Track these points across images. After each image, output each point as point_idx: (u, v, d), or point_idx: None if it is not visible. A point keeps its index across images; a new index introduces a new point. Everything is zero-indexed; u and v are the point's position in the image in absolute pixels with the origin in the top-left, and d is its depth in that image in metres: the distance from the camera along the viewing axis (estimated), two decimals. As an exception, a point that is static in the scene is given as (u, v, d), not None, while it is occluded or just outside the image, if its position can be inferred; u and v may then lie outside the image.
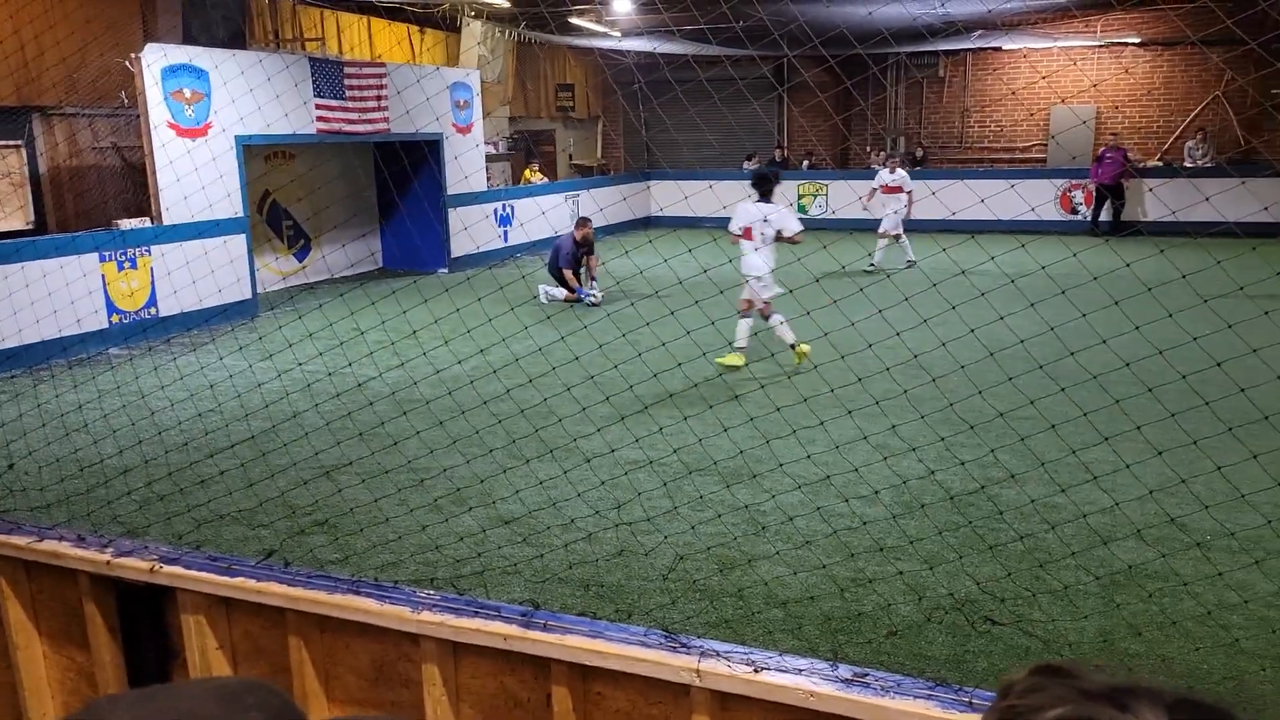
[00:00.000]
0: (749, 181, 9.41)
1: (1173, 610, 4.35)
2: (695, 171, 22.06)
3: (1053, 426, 6.11)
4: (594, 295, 12.78)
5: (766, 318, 8.88)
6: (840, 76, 20.99)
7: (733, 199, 18.98)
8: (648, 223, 21.48)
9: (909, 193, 15.00)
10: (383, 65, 14.69)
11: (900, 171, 15.21)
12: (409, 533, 5.28)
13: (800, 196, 20.65)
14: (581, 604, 4.42)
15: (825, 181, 20.54)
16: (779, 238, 8.80)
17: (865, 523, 5.36)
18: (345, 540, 5.27)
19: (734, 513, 5.56)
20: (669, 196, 21.06)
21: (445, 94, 15.58)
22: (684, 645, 2.02)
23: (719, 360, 8.68)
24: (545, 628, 2.20)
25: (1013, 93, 20.93)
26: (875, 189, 15.39)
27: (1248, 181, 16.74)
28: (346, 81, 13.59)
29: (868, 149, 22.20)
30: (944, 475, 6.07)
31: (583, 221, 13.29)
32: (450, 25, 17.97)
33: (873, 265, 14.49)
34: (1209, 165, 18.66)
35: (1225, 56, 18.79)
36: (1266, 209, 14.82)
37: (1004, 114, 21.57)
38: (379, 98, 14.03)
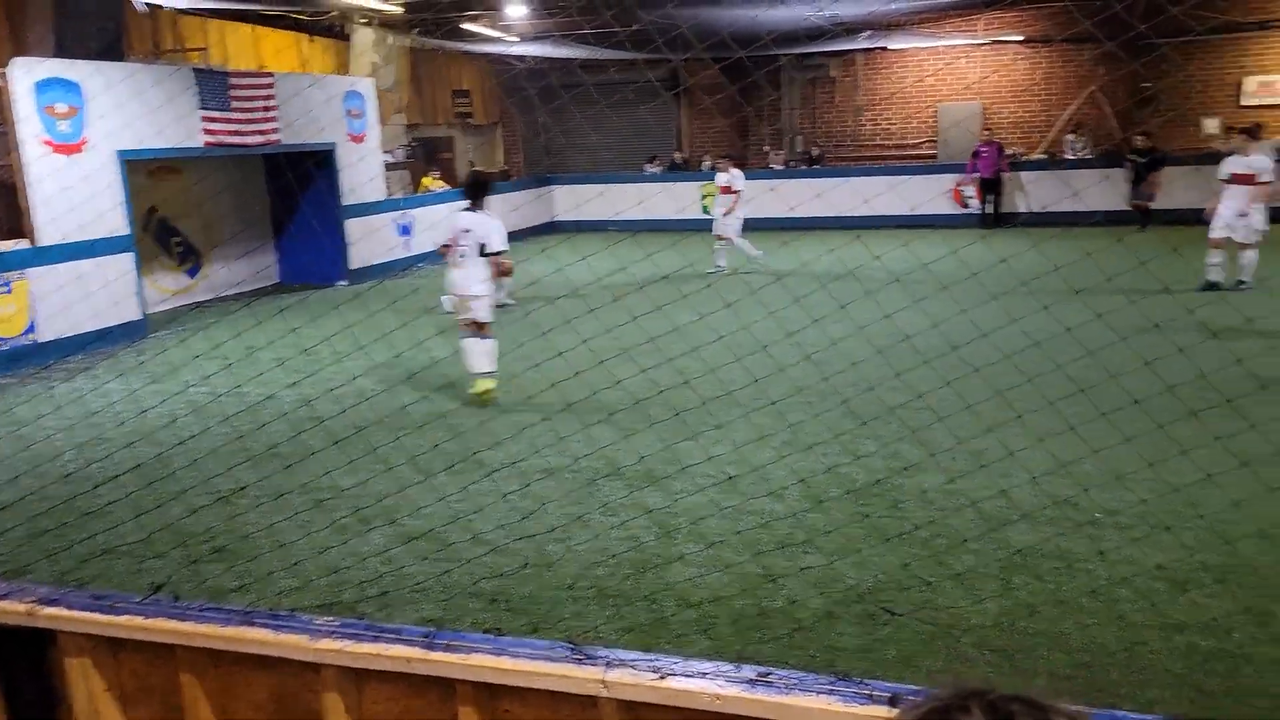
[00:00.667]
0: (654, 181, 9.25)
1: (1066, 588, 4.51)
2: (597, 175, 22.07)
3: (942, 419, 6.30)
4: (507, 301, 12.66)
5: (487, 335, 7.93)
6: (733, 78, 21.29)
7: (635, 202, 19.04)
8: (551, 228, 21.39)
9: (737, 193, 14.36)
10: (270, 75, 14.30)
11: (734, 171, 14.66)
12: (311, 556, 5.14)
13: (703, 197, 20.84)
14: (492, 619, 4.36)
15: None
16: (483, 253, 7.83)
17: (772, 520, 5.42)
18: (244, 567, 5.09)
19: (643, 517, 5.56)
20: (571, 201, 21.03)
21: (338, 102, 15.24)
22: (590, 657, 2.00)
23: (473, 392, 7.91)
24: (448, 648, 2.15)
25: (895, 95, 21.54)
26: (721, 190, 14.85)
27: (1115, 172, 17.56)
28: (232, 92, 13.18)
29: (765, 149, 22.55)
30: (845, 469, 6.19)
31: None
32: (340, 33, 17.60)
33: (718, 267, 14.09)
34: (1088, 157, 19.50)
35: (1099, 52, 19.67)
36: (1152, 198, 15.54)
37: (895, 112, 22.17)
38: (267, 108, 13.64)
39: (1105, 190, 17.68)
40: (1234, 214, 10.85)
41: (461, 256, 7.83)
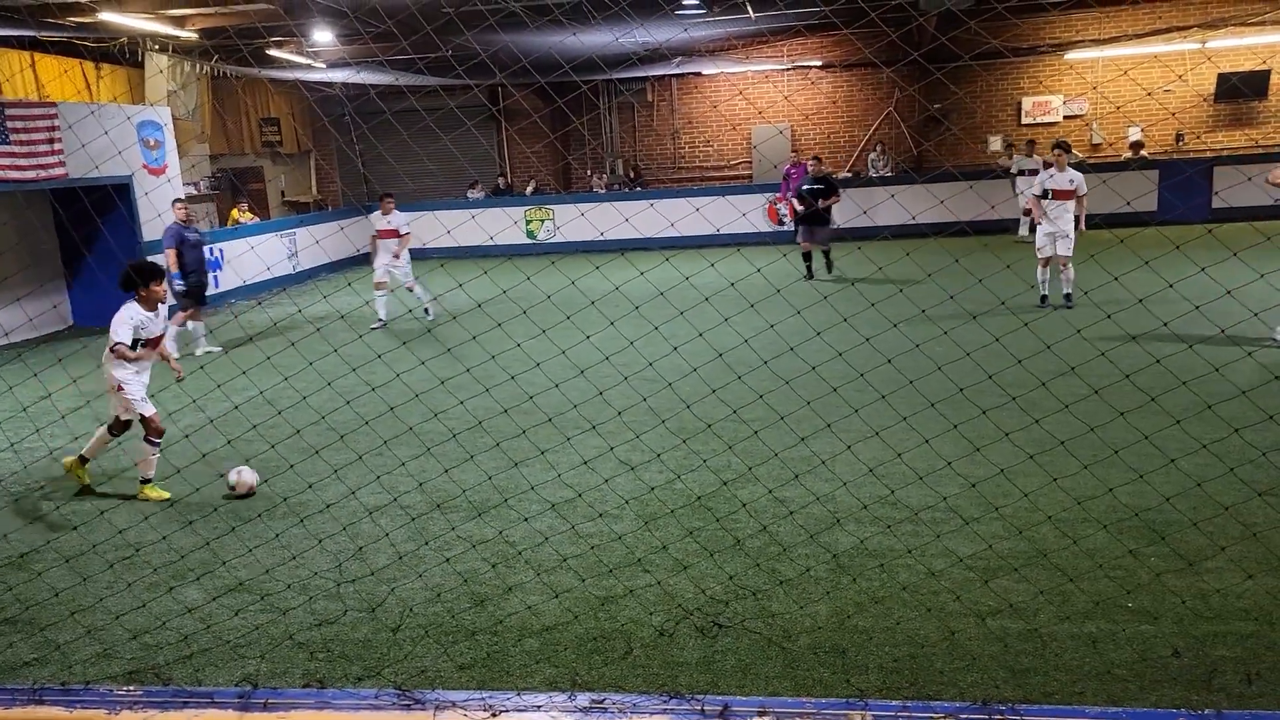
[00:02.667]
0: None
1: (888, 585, 4.71)
2: (418, 202, 21.67)
3: (757, 432, 6.48)
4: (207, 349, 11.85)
5: (115, 433, 6.76)
6: (552, 102, 21.40)
7: (458, 227, 18.73)
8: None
9: (405, 235, 12.88)
10: (53, 104, 13.29)
11: (397, 214, 13.07)
12: (122, 615, 4.75)
13: (528, 222, 20.81)
14: (324, 669, 4.14)
15: (552, 206, 20.81)
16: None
17: (606, 542, 5.42)
18: (43, 636, 4.65)
19: (485, 545, 5.45)
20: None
21: (131, 133, 14.32)
22: (418, 701, 1.92)
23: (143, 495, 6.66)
24: (266, 706, 2.03)
25: (714, 106, 22.23)
26: (374, 234, 13.12)
27: (917, 186, 18.73)
28: (10, 124, 12.17)
29: (588, 173, 22.75)
30: (687, 478, 6.29)
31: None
32: (132, 59, 16.57)
33: (381, 322, 12.92)
34: (889, 174, 20.69)
35: (893, 75, 20.96)
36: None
37: (711, 134, 22.85)
38: (51, 139, 12.67)
39: (911, 201, 18.82)
40: (1059, 229, 11.04)
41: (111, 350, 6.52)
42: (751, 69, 21.78)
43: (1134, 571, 4.66)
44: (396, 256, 12.84)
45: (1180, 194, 17.31)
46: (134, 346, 6.46)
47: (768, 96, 22.34)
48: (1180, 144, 20.37)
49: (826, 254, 14.71)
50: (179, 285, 11.33)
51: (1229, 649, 3.94)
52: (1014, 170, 17.25)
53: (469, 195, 22.50)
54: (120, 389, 6.50)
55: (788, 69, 21.78)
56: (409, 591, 4.93)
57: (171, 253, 11.38)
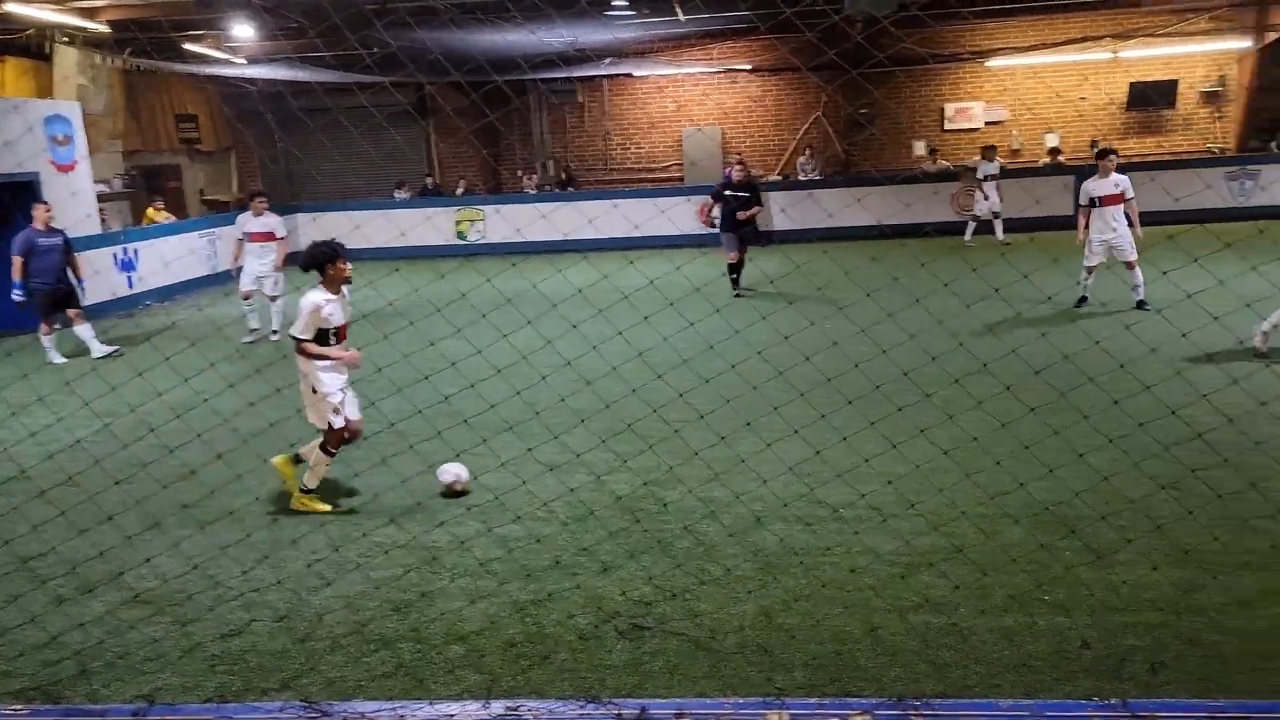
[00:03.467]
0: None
1: (817, 579, 4.74)
2: (344, 202, 21.27)
3: (677, 431, 6.48)
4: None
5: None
6: (481, 102, 21.23)
7: (385, 228, 18.48)
8: (294, 259, 20.33)
9: (283, 239, 11.92)
10: (-47, 97, 12.72)
11: (272, 217, 11.95)
12: (17, 629, 4.53)
13: (458, 224, 20.57)
14: (238, 681, 3.99)
15: (482, 208, 20.61)
16: None
17: (533, 545, 5.36)
18: (-66, 656, 4.41)
19: (405, 550, 5.34)
20: (317, 230, 20.10)
21: (38, 129, 13.78)
22: (325, 713, 1.85)
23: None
24: (163, 723, 1.93)
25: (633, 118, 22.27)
26: (240, 238, 11.90)
27: (848, 189, 19.02)
28: (-96, 116, 11.60)
29: (519, 173, 22.60)
30: (611, 480, 6.25)
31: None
32: (40, 53, 15.94)
33: (251, 336, 11.89)
34: (818, 178, 20.96)
35: (820, 80, 21.25)
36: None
37: (642, 136, 22.88)
38: (-50, 134, 12.11)
39: (840, 204, 19.10)
40: (1119, 233, 10.69)
41: None
42: (681, 71, 21.87)
43: (1048, 565, 4.77)
44: (278, 268, 11.79)
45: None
46: (325, 339, 5.86)
47: (698, 99, 22.46)
48: (1095, 149, 21.02)
49: (740, 265, 13.39)
50: (18, 295, 10.86)
51: (1138, 639, 4.05)
52: (979, 176, 17.43)
53: (395, 196, 22.17)
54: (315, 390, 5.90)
55: (718, 72, 21.92)
56: (322, 600, 4.80)
57: (18, 261, 10.87)
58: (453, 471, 6.21)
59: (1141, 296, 10.77)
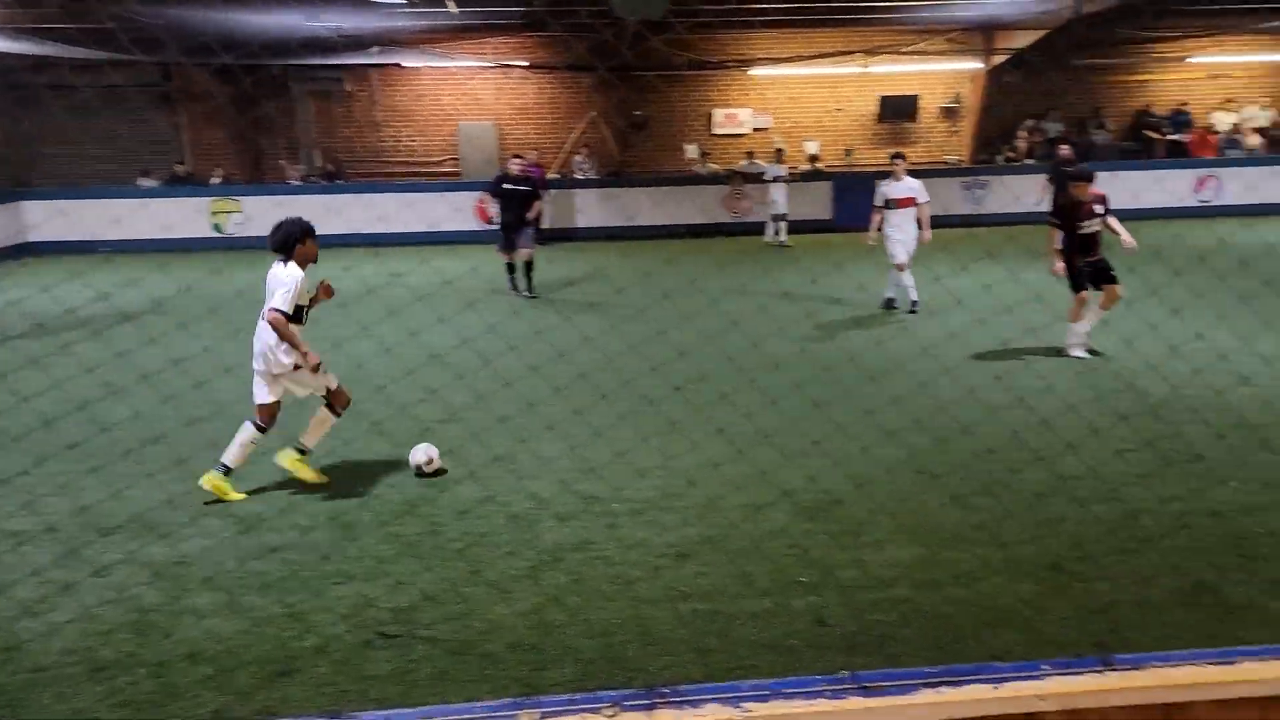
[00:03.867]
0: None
1: (589, 577, 4.78)
2: (83, 189, 19.41)
3: (475, 434, 6.37)
4: None
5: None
6: (236, 87, 19.99)
7: (130, 216, 16.99)
8: (24, 250, 18.33)
9: None
10: None
11: None
12: None
13: (214, 214, 19.25)
14: (-59, 724, 3.55)
15: (241, 198, 19.38)
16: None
17: (299, 555, 5.09)
18: None
19: (144, 573, 4.92)
20: (51, 218, 18.23)
21: None
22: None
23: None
24: None
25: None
26: None
27: (623, 190, 19.39)
28: None
29: (281, 163, 21.44)
30: (379, 494, 6.01)
31: None
32: None
33: None
34: (594, 177, 21.20)
35: (596, 80, 21.51)
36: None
37: (415, 129, 22.30)
38: None
39: (610, 209, 19.44)
40: (911, 236, 10.92)
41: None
42: (454, 65, 21.49)
43: (807, 549, 5.04)
44: None
45: (850, 203, 19.15)
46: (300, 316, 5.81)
47: (474, 94, 22.15)
48: (849, 157, 22.49)
49: (528, 266, 12.65)
50: None
51: (883, 614, 4.35)
52: (767, 178, 18.00)
53: (140, 183, 20.46)
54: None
55: (492, 67, 21.71)
56: (58, 627, 4.35)
57: None
58: (424, 451, 6.09)
59: (914, 298, 10.97)
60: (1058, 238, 8.76)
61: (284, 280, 5.72)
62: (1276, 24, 20.18)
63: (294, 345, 5.75)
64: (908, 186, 11.03)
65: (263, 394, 5.90)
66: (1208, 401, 7.05)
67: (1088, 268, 8.68)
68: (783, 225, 17.75)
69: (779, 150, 18.96)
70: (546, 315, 8.93)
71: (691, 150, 22.46)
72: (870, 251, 11.16)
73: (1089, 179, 8.73)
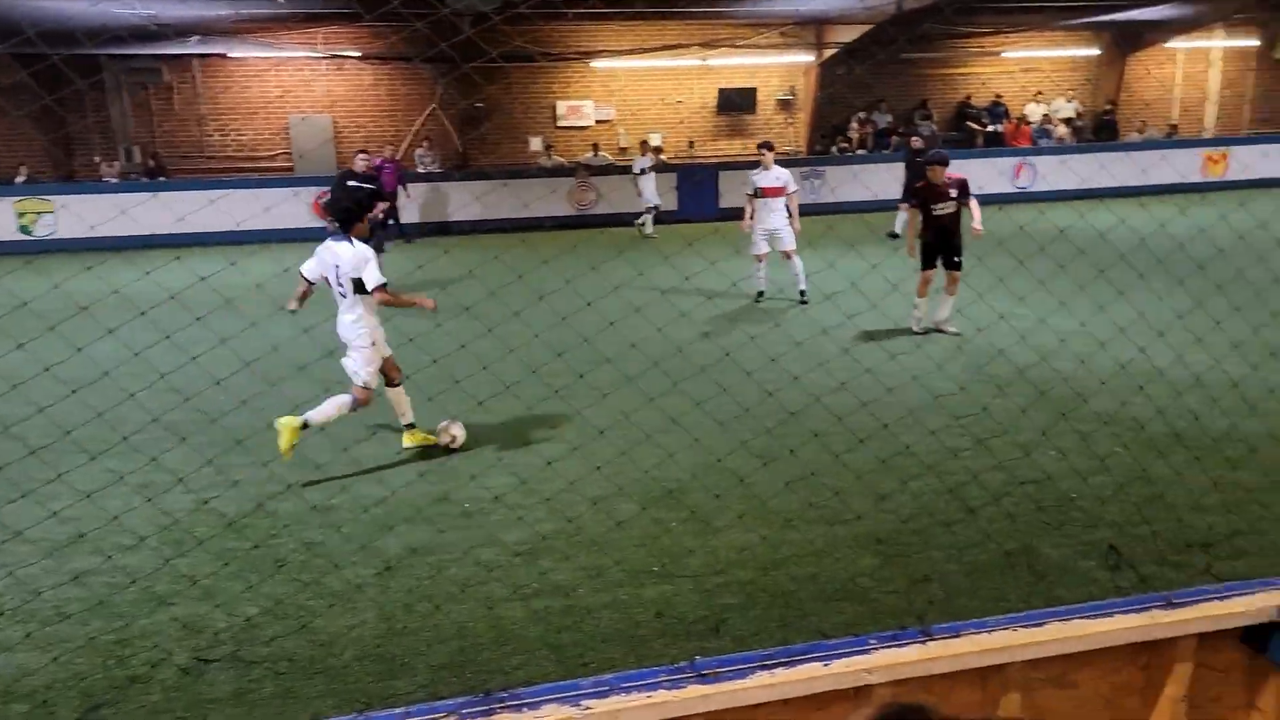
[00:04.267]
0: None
1: (444, 580, 4.69)
2: None
3: (322, 428, 6.14)
4: None
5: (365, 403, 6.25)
6: (40, 77, 18.58)
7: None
8: None
9: None
10: None
11: None
12: None
13: (20, 215, 17.84)
14: None
15: (51, 198, 18.02)
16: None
17: (127, 576, 4.78)
18: None
19: (-50, 606, 4.52)
20: None
21: None
22: None
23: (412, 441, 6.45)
24: None
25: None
26: None
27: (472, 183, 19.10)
28: None
29: (96, 159, 20.06)
30: (219, 501, 5.73)
31: None
32: None
33: None
34: (437, 170, 20.78)
35: (436, 71, 21.07)
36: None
37: (244, 123, 21.28)
38: None
39: (453, 203, 19.11)
40: (779, 224, 10.99)
41: (341, 295, 6.14)
42: (282, 55, 20.62)
43: (659, 539, 5.10)
44: None
45: (694, 194, 19.49)
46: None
47: (305, 85, 21.32)
48: (691, 149, 22.88)
49: None
50: None
51: (733, 596, 4.45)
52: (635, 170, 17.88)
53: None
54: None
55: (323, 58, 20.94)
56: None
57: None
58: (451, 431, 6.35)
59: (803, 286, 11.06)
60: (915, 220, 9.32)
61: (364, 256, 6.02)
62: (1077, 21, 21.73)
63: (411, 304, 6.23)
64: (776, 176, 11.15)
65: (366, 372, 6.16)
66: (1030, 376, 7.53)
67: (939, 249, 9.25)
68: (649, 217, 17.82)
69: (644, 142, 19.02)
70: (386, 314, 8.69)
71: (536, 143, 22.33)
72: (740, 241, 11.33)
73: (944, 163, 9.30)
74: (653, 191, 17.84)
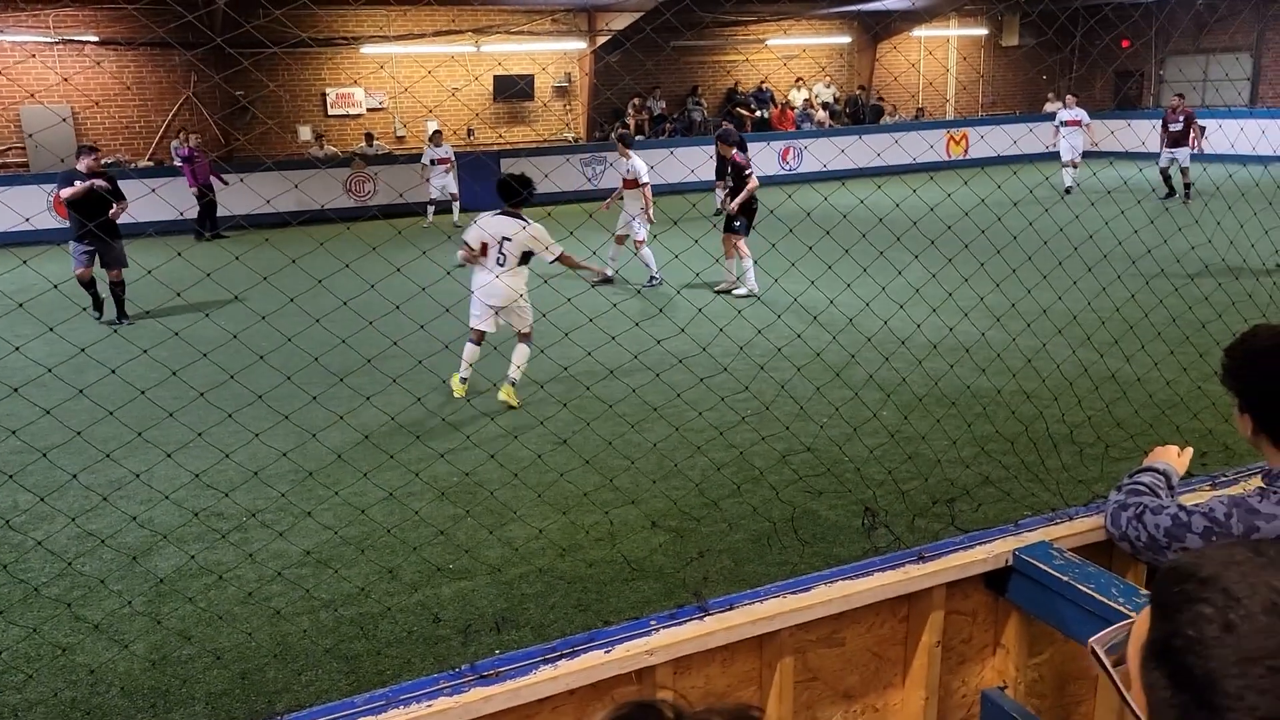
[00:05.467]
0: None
1: (219, 602, 4.41)
2: None
3: (78, 433, 5.66)
4: None
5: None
6: None
7: None
8: None
9: None
10: None
11: None
12: None
13: None
14: None
15: None
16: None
17: None
18: None
19: None
20: None
21: None
22: None
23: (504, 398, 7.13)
24: None
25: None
26: None
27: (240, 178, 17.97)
28: None
29: None
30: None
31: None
32: None
33: None
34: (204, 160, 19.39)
35: (188, 59, 19.63)
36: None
37: (-37, 114, 19.06)
38: None
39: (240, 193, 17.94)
40: (635, 215, 11.32)
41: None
42: (8, 39, 18.62)
43: (454, 535, 5.01)
44: None
45: (473, 183, 19.24)
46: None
47: (38, 72, 19.33)
48: (471, 138, 22.53)
49: (116, 289, 10.48)
50: None
51: (530, 586, 4.46)
52: (425, 160, 17.48)
53: None
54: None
55: (57, 43, 19.08)
56: None
57: None
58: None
59: (654, 273, 11.48)
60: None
61: (536, 232, 7.00)
62: (828, 10, 23.04)
63: (586, 267, 7.62)
64: (629, 167, 11.54)
65: (487, 323, 7.18)
66: (803, 350, 7.93)
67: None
68: (455, 206, 17.47)
69: (437, 132, 18.57)
70: (141, 334, 7.96)
71: (306, 132, 21.33)
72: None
73: (729, 143, 10.96)
74: (451, 181, 17.62)
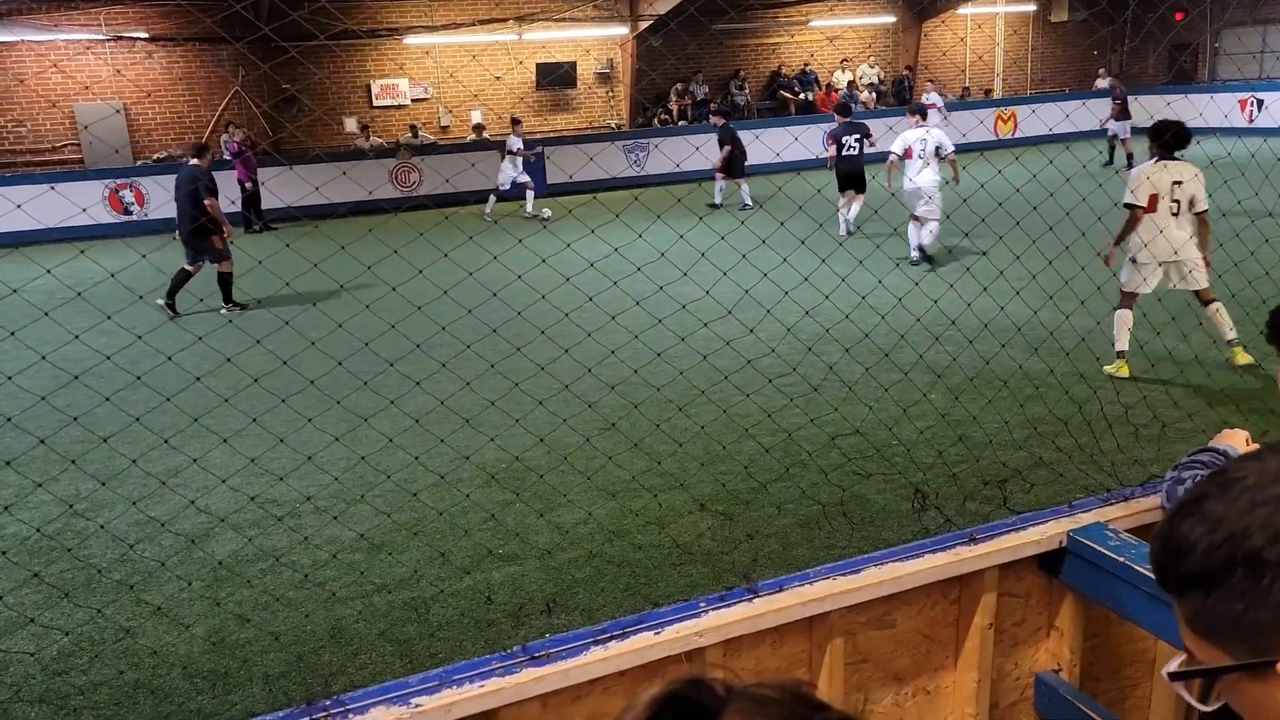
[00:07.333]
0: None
1: (274, 585, 4.50)
2: None
3: (104, 440, 5.79)
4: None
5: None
6: None
7: None
8: None
9: None
10: None
11: None
12: None
13: None
14: None
15: None
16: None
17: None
18: None
19: None
20: None
21: None
22: None
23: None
24: None
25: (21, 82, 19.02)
26: None
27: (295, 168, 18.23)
28: None
29: None
30: (23, 515, 5.28)
31: None
32: None
33: None
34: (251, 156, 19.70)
35: (235, 53, 19.93)
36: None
37: (21, 111, 19.53)
38: None
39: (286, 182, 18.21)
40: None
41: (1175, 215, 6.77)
42: (62, 37, 19.02)
43: (504, 519, 5.06)
44: None
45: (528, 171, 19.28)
46: None
47: (92, 69, 19.75)
48: (518, 127, 22.60)
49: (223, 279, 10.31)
50: None
51: (579, 570, 4.48)
52: (510, 148, 17.32)
53: None
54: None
55: (109, 40, 19.46)
56: None
57: None
58: None
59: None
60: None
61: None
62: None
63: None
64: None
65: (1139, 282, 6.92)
66: (851, 333, 7.86)
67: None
68: (529, 194, 17.24)
69: (516, 120, 18.45)
70: (200, 323, 8.07)
71: (351, 124, 21.55)
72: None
73: (843, 112, 13.12)
74: (520, 169, 17.35)
